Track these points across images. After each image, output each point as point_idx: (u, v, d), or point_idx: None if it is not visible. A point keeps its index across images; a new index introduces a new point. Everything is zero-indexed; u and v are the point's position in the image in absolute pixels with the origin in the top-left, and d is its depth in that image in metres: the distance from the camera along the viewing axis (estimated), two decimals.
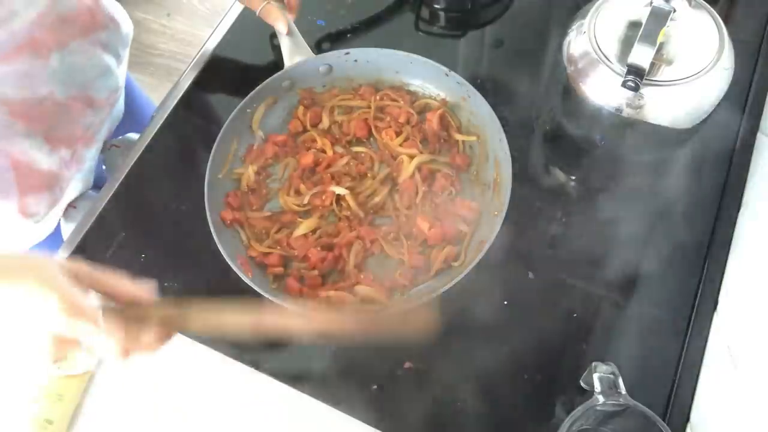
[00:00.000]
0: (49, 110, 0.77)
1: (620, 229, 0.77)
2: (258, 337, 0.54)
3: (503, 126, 0.74)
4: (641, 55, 0.62)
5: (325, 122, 0.82)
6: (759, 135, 0.79)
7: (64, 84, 0.77)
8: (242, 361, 0.70)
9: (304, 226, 0.75)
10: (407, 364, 0.69)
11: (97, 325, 0.49)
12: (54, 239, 0.88)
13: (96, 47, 0.81)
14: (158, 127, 0.86)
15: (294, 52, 0.84)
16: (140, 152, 0.84)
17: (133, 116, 0.98)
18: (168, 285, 0.75)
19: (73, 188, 0.87)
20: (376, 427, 0.66)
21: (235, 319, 0.54)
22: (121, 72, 0.90)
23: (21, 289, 0.49)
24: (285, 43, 0.84)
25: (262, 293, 0.66)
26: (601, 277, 0.74)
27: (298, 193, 0.78)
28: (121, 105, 0.93)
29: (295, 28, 0.85)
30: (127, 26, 0.90)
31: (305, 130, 0.82)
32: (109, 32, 0.84)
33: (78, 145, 0.83)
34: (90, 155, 0.87)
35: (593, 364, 0.59)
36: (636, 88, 0.64)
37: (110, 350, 0.50)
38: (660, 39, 0.63)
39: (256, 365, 0.70)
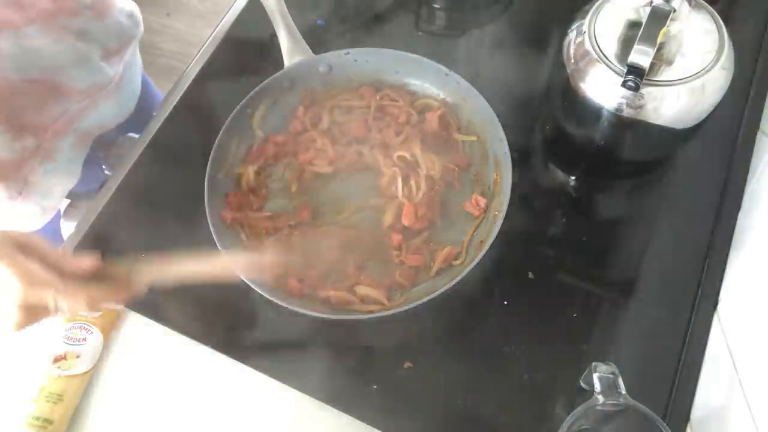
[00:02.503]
0: (2, 93, 0.74)
1: (620, 229, 0.77)
2: (210, 281, 0.59)
3: (503, 126, 0.74)
4: (641, 55, 0.62)
5: (325, 122, 0.83)
6: (759, 135, 0.79)
7: (19, 67, 0.75)
8: (242, 361, 0.70)
9: None
10: (407, 364, 0.69)
11: (57, 290, 0.52)
12: (54, 239, 0.88)
13: (66, 34, 0.78)
14: (158, 127, 0.86)
15: (294, 52, 0.84)
16: (140, 152, 0.84)
17: (145, 115, 0.97)
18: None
19: (51, 180, 0.85)
20: (376, 427, 0.66)
21: (188, 267, 0.60)
22: (112, 66, 0.87)
23: None
24: (285, 43, 0.84)
25: (262, 293, 0.66)
26: (601, 277, 0.74)
27: None
28: (118, 102, 0.91)
29: (295, 28, 0.85)
30: (115, 17, 0.86)
31: (305, 130, 0.82)
32: (85, 20, 0.80)
33: (47, 135, 0.81)
34: (63, 146, 0.84)
35: (593, 364, 0.59)
36: (636, 88, 0.64)
37: (76, 308, 0.53)
38: (660, 39, 0.63)
39: (256, 365, 0.70)
